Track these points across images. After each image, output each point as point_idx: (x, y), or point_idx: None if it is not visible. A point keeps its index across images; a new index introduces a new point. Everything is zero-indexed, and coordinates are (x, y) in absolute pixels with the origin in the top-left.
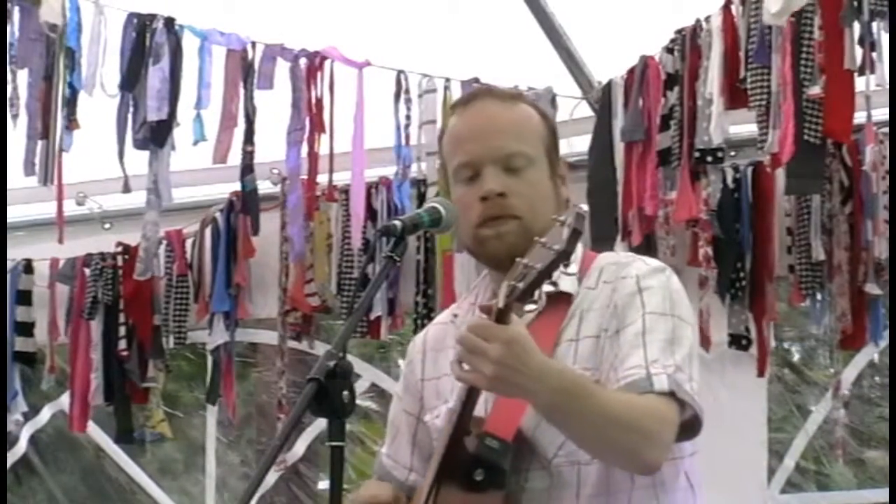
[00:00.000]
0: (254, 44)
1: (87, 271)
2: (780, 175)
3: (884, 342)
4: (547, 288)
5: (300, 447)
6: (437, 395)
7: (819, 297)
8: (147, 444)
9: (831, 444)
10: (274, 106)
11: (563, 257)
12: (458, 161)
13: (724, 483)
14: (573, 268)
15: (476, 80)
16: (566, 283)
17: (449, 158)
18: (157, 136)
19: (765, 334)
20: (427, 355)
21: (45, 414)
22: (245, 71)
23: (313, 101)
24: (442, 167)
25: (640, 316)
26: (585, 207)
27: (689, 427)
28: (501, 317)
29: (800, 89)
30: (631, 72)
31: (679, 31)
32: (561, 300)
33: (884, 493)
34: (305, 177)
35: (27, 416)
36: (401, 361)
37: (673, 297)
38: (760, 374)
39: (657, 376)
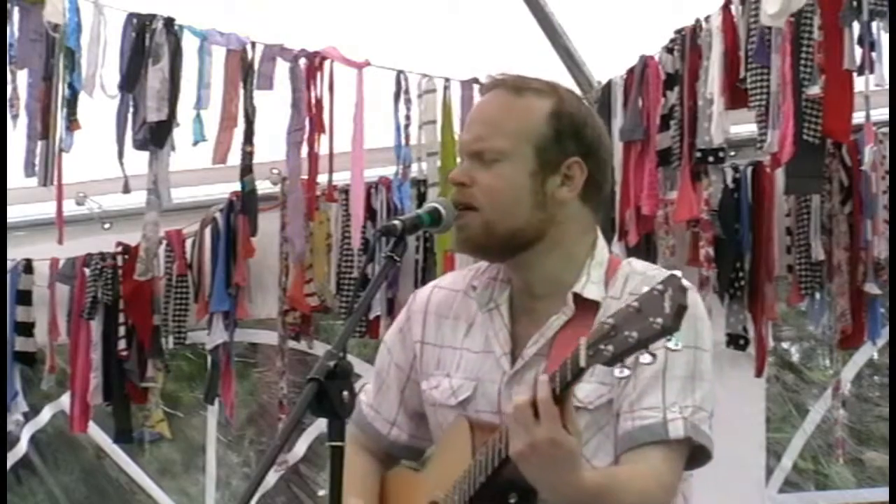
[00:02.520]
0: (253, 44)
1: (87, 271)
2: (780, 175)
3: (882, 341)
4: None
5: (301, 447)
6: (437, 364)
7: (818, 296)
8: (146, 444)
9: (829, 444)
10: (274, 106)
11: (667, 334)
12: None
13: (722, 483)
14: (598, 273)
15: (475, 81)
16: (592, 290)
17: None
18: (156, 136)
19: (763, 334)
20: (428, 318)
21: (46, 414)
22: (245, 71)
23: (313, 101)
24: None
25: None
26: (680, 273)
27: (697, 459)
28: (564, 390)
29: (799, 89)
30: (630, 72)
31: (679, 31)
32: (588, 308)
33: (882, 493)
34: (305, 177)
35: (27, 417)
36: None
37: (696, 324)
38: (758, 374)
39: (673, 422)
